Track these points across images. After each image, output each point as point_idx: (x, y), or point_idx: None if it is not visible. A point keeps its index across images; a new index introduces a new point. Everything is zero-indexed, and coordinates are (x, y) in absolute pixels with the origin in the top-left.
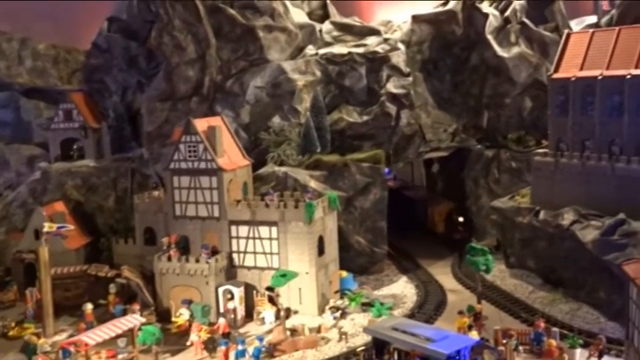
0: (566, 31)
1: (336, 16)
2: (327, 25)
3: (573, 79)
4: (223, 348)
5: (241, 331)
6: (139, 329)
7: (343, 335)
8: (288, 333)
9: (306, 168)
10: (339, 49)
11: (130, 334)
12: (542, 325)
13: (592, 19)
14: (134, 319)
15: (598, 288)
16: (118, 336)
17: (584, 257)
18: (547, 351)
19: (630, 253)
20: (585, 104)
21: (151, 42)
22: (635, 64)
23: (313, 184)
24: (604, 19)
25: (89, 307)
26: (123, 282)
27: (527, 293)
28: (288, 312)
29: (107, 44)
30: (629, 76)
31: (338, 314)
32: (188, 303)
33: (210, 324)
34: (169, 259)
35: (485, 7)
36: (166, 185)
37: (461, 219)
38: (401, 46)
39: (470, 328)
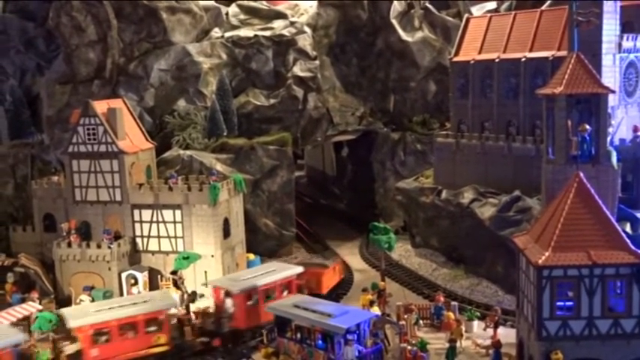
0: (466, 16)
1: None
2: (233, 8)
3: (472, 62)
4: None
5: None
6: (35, 317)
7: None
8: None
9: (212, 151)
10: (245, 32)
11: (26, 323)
12: (442, 299)
13: (492, 5)
14: (30, 307)
15: (496, 263)
16: (13, 324)
17: (483, 234)
18: (446, 324)
19: (524, 228)
20: (484, 87)
21: (49, 23)
22: (529, 48)
23: (219, 167)
24: (503, 6)
25: None
26: (21, 270)
27: (430, 270)
28: (194, 295)
29: (2, 25)
30: (524, 59)
31: None
32: (90, 289)
33: None
34: (69, 245)
35: None
36: (65, 169)
37: None
38: (307, 29)
39: (372, 304)
